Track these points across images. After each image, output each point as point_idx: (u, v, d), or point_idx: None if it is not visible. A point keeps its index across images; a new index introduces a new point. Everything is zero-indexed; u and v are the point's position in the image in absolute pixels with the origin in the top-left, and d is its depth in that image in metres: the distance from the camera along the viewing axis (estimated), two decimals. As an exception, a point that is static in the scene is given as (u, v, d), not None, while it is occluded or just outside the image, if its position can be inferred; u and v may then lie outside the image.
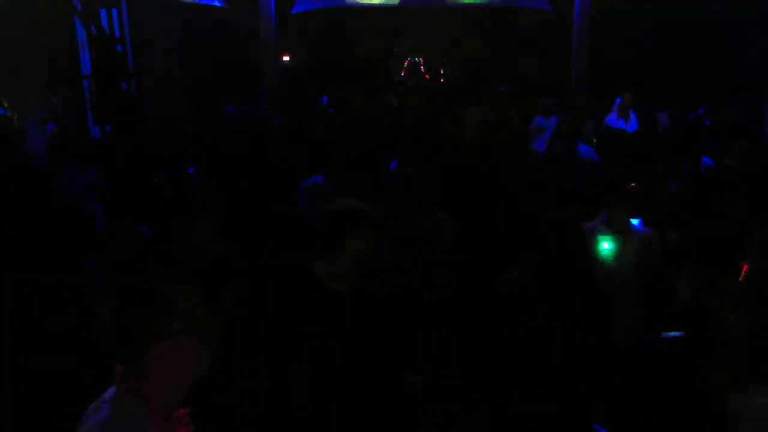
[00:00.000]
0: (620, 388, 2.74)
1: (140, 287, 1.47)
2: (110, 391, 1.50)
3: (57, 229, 3.66)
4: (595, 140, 6.58)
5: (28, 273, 3.23)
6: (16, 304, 3.05)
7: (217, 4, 11.96)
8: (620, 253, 3.32)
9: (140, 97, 5.89)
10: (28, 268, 3.27)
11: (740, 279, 2.71)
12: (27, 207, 3.89)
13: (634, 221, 3.49)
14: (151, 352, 1.42)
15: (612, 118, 7.61)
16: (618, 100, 7.75)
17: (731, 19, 10.06)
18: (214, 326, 1.55)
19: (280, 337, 2.58)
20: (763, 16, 9.32)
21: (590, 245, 3.30)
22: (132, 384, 1.44)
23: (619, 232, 3.35)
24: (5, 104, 9.55)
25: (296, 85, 14.09)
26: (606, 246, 3.33)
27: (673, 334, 2.75)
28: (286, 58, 15.78)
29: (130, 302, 1.44)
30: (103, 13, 5.75)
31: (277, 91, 11.76)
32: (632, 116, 7.57)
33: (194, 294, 1.51)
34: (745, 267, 2.72)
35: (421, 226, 3.16)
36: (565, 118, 6.58)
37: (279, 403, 2.58)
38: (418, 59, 21.79)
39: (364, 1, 12.85)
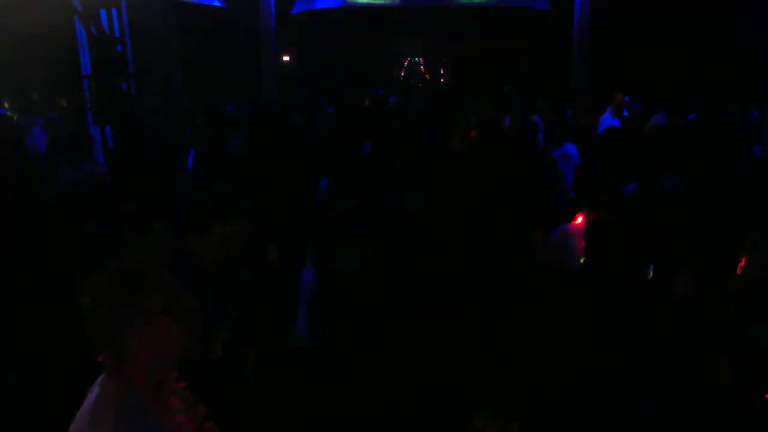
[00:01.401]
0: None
1: (115, 270, 1.44)
2: (99, 379, 1.51)
3: (48, 226, 3.66)
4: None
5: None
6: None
7: (217, 4, 11.96)
8: None
9: (140, 97, 5.89)
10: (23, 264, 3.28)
11: (738, 273, 2.72)
12: (21, 204, 3.89)
13: None
14: (129, 333, 1.41)
15: (607, 118, 7.67)
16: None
17: (731, 19, 10.07)
18: (194, 305, 1.51)
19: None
20: (763, 15, 9.32)
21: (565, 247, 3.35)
22: (115, 368, 1.44)
23: None
24: (5, 104, 9.57)
25: (296, 86, 14.11)
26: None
27: None
28: (286, 58, 15.80)
29: (105, 285, 1.42)
30: (103, 13, 5.75)
31: (277, 91, 11.77)
32: (627, 115, 7.63)
33: (171, 273, 1.48)
34: (743, 260, 2.72)
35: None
36: (558, 118, 6.61)
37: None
38: (418, 59, 21.81)
39: (364, 1, 12.85)
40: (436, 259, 2.94)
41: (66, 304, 2.80)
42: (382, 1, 12.88)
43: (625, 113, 7.61)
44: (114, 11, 5.82)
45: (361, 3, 12.87)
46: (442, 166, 4.48)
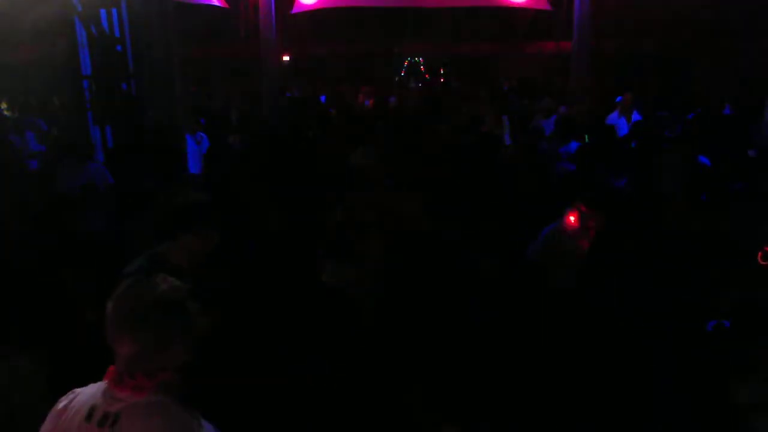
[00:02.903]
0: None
1: (172, 295, 1.55)
2: (112, 390, 1.51)
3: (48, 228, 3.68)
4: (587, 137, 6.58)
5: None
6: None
7: (217, 4, 11.97)
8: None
9: (140, 97, 5.89)
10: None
11: (759, 261, 2.71)
12: (21, 205, 3.90)
13: None
14: (179, 348, 1.53)
15: (613, 117, 7.67)
16: (619, 99, 7.85)
17: (732, 18, 10.07)
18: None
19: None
20: (763, 14, 9.33)
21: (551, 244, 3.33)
22: (158, 377, 1.50)
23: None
24: (3, 104, 9.57)
25: (295, 85, 14.10)
26: None
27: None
28: (286, 58, 15.79)
29: (168, 312, 1.51)
30: (103, 13, 5.75)
31: (277, 91, 11.78)
32: (635, 115, 7.60)
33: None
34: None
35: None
36: (560, 116, 6.62)
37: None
38: (418, 59, 21.78)
39: (365, 1, 12.85)
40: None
41: (61, 305, 2.81)
42: (383, 1, 12.89)
43: (636, 116, 7.57)
44: (114, 11, 5.81)
45: (361, 3, 12.88)
46: (436, 167, 4.49)
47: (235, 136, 7.78)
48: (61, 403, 1.57)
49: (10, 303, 2.88)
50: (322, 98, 12.30)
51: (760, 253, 2.74)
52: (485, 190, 4.22)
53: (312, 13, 13.00)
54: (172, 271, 2.39)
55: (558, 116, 7.52)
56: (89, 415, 1.48)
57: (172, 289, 1.55)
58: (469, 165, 4.79)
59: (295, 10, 12.39)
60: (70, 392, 1.60)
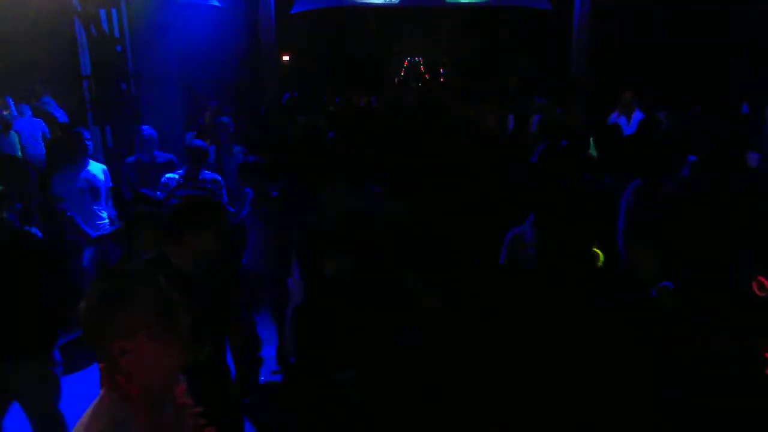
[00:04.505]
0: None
1: (102, 285, 1.47)
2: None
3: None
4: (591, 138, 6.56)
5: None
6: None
7: (217, 4, 11.96)
8: None
9: (140, 97, 5.90)
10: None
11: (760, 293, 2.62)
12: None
13: None
14: (118, 348, 1.41)
15: (613, 117, 7.66)
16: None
17: (732, 18, 10.07)
18: (185, 322, 1.50)
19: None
20: (763, 14, 9.32)
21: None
22: (112, 381, 1.44)
23: None
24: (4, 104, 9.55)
25: (296, 85, 14.10)
26: None
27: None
28: (286, 58, 15.80)
29: (93, 300, 1.43)
30: (102, 13, 5.76)
31: (277, 91, 11.77)
32: (638, 114, 7.53)
33: (158, 290, 1.48)
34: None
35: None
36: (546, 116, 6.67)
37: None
38: (418, 59, 21.80)
39: (364, 1, 12.85)
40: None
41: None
42: (383, 1, 12.88)
43: (639, 115, 7.52)
44: (114, 11, 5.82)
45: (361, 3, 12.88)
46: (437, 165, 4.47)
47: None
48: None
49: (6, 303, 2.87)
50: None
51: (754, 283, 2.67)
52: (485, 190, 4.20)
53: (312, 13, 13.01)
54: (175, 272, 2.38)
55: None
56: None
57: (112, 286, 1.45)
58: (469, 165, 4.77)
59: (295, 10, 12.39)
60: None
